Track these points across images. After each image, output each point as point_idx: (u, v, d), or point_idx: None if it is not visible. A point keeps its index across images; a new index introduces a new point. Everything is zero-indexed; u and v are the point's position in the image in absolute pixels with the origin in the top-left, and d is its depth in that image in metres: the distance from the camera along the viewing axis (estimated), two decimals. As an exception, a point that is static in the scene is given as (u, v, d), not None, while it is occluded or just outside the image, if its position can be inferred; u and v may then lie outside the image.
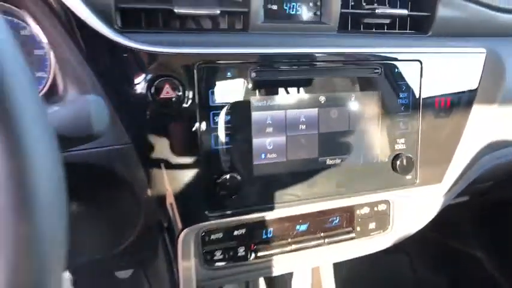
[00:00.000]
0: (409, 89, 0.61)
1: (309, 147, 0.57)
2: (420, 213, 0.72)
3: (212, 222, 0.56)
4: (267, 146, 0.55)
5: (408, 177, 0.64)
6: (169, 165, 0.52)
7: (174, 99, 0.49)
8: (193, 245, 0.57)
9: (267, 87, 0.54)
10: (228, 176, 0.52)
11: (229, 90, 0.51)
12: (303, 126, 0.56)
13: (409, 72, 0.61)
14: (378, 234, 0.70)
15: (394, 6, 0.64)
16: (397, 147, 0.62)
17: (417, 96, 0.62)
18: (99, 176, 0.52)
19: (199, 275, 0.60)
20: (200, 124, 0.51)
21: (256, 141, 0.54)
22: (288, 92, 0.55)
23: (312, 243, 0.65)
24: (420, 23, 0.66)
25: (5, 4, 0.54)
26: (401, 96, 0.61)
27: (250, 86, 0.52)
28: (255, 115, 0.53)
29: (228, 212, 0.56)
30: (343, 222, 0.67)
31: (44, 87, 0.58)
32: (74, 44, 0.48)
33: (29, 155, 0.24)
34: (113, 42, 0.46)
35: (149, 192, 0.54)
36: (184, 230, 0.55)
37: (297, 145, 0.56)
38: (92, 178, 0.53)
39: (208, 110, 0.51)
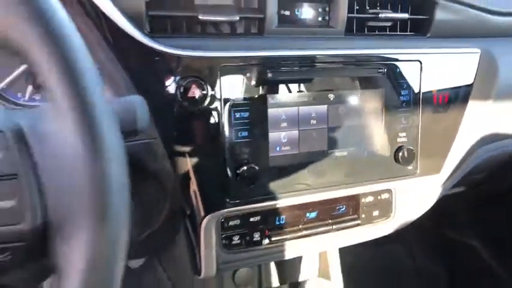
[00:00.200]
0: (410, 86, 0.67)
1: (319, 141, 0.63)
2: (420, 201, 0.77)
3: (231, 209, 0.61)
4: (281, 139, 0.60)
5: (409, 168, 0.70)
6: (194, 158, 0.57)
7: (199, 97, 0.54)
8: (214, 231, 0.63)
9: (282, 86, 0.59)
10: (247, 167, 0.58)
11: (248, 89, 0.57)
12: (314, 121, 0.62)
13: (410, 71, 0.67)
14: (381, 221, 0.75)
15: (395, 10, 0.70)
16: (399, 140, 0.68)
17: (417, 93, 0.67)
18: (130, 167, 0.58)
19: (219, 259, 0.65)
20: (222, 120, 0.56)
21: (271, 135, 0.59)
22: (300, 90, 0.61)
23: (321, 230, 0.70)
24: (420, 25, 0.71)
25: None
26: (403, 93, 0.67)
27: (266, 85, 0.58)
28: (271, 111, 0.59)
29: (246, 200, 0.61)
30: (349, 210, 0.73)
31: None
32: (109, 47, 0.53)
33: (108, 145, 0.29)
34: (146, 47, 0.52)
35: (174, 182, 0.59)
36: (207, 217, 0.60)
37: (308, 138, 0.62)
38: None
39: (229, 107, 0.56)
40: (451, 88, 0.70)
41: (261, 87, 0.58)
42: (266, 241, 0.67)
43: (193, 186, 0.59)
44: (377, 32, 0.69)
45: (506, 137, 0.80)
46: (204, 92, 0.54)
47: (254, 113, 0.58)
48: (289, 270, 0.86)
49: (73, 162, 0.28)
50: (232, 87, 0.56)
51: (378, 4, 0.69)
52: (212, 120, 0.56)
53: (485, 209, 1.41)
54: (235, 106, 0.56)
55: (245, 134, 0.58)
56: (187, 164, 0.58)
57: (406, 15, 0.68)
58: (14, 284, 0.34)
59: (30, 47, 0.27)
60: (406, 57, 0.66)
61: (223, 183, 0.59)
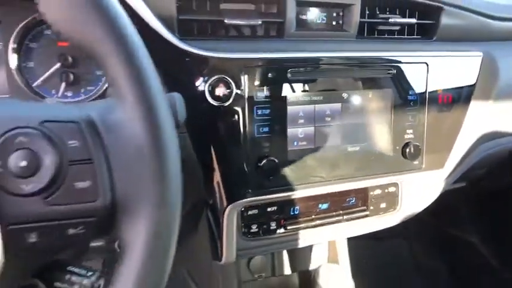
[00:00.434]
0: (417, 87, 0.72)
1: (333, 136, 0.67)
2: (424, 194, 0.82)
3: (251, 199, 0.66)
4: (298, 134, 0.65)
5: (415, 162, 0.75)
6: (218, 151, 0.62)
7: (225, 95, 0.59)
8: (235, 220, 0.67)
9: (300, 85, 0.64)
10: (267, 160, 0.63)
11: (269, 88, 0.62)
12: (329, 119, 0.67)
13: (417, 72, 0.72)
14: (388, 212, 0.80)
15: (403, 15, 0.75)
16: (406, 136, 0.73)
17: (424, 93, 0.72)
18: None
19: (239, 246, 0.70)
20: (246, 116, 0.61)
21: (290, 131, 0.64)
22: (316, 90, 0.65)
23: (332, 220, 0.75)
24: (426, 29, 0.76)
25: None
26: (410, 93, 0.71)
27: (286, 84, 0.63)
28: (290, 109, 0.64)
29: (265, 191, 0.66)
30: (359, 202, 0.78)
31: (103, 83, 0.68)
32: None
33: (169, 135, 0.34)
34: (178, 48, 0.56)
35: (200, 173, 0.64)
36: (229, 207, 0.65)
37: (323, 134, 0.67)
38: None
39: (252, 104, 0.61)
40: (455, 88, 0.75)
41: (281, 87, 0.62)
42: (282, 230, 0.72)
43: (217, 177, 0.64)
44: (386, 36, 0.74)
45: (506, 135, 0.85)
46: (230, 91, 0.59)
47: (274, 110, 0.62)
48: (300, 258, 0.91)
49: (138, 148, 0.33)
50: (255, 86, 0.61)
51: (388, 9, 0.74)
52: (236, 117, 0.61)
53: (485, 206, 1.45)
54: (257, 103, 0.61)
55: (266, 129, 0.63)
56: (212, 157, 0.62)
57: (413, 20, 0.73)
58: (76, 257, 0.39)
59: (108, 56, 0.32)
60: (414, 60, 0.71)
61: (245, 175, 0.63)
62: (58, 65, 0.66)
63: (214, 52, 0.58)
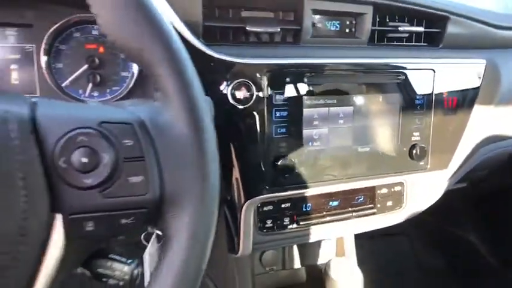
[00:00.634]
0: (424, 92, 0.76)
1: (346, 138, 0.72)
2: (429, 194, 0.86)
3: (267, 196, 0.70)
4: (313, 135, 0.69)
5: (421, 163, 0.79)
6: (238, 150, 0.66)
7: (247, 98, 0.63)
8: (252, 215, 0.71)
9: (316, 89, 0.68)
10: (284, 159, 0.67)
11: (287, 92, 0.66)
12: (341, 121, 0.71)
13: (424, 78, 0.76)
14: (394, 210, 0.84)
15: (411, 23, 0.79)
16: (413, 138, 0.77)
17: (430, 98, 0.77)
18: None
19: (254, 240, 0.74)
20: (265, 117, 0.65)
21: (305, 132, 0.68)
22: (330, 93, 0.69)
23: (342, 217, 0.79)
24: (433, 37, 0.80)
25: None
26: (417, 97, 0.76)
27: (303, 88, 0.67)
28: (306, 111, 0.68)
29: (281, 188, 0.70)
30: (367, 200, 0.82)
31: (127, 84, 0.72)
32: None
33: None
34: (204, 54, 0.60)
35: (220, 170, 0.68)
36: (247, 203, 0.69)
37: (336, 135, 0.71)
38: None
39: (271, 106, 0.65)
40: (460, 94, 0.79)
41: (298, 90, 0.66)
42: (294, 225, 0.76)
43: (236, 175, 0.68)
44: (395, 43, 0.78)
45: (507, 138, 0.90)
46: (250, 94, 0.63)
47: (292, 112, 0.66)
48: (309, 253, 0.95)
49: (184, 147, 0.37)
50: (274, 89, 0.65)
51: (397, 18, 0.78)
52: (256, 118, 0.65)
53: (485, 206, 1.50)
54: (276, 106, 0.65)
55: (283, 130, 0.67)
56: (232, 155, 0.66)
57: (421, 29, 0.77)
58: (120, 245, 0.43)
59: (156, 65, 0.36)
60: (421, 66, 0.75)
61: (262, 173, 0.67)
62: (86, 66, 0.69)
63: (237, 58, 0.62)
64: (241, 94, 0.63)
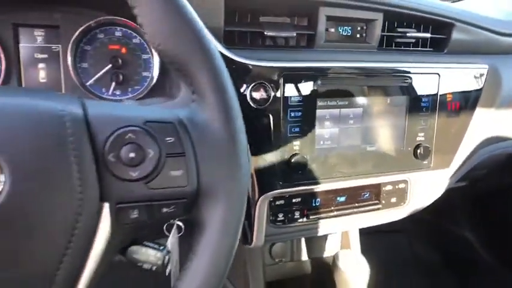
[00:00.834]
0: (429, 95, 0.80)
1: (355, 137, 0.76)
2: (431, 191, 0.91)
3: (280, 191, 0.74)
4: (325, 135, 0.73)
5: (425, 162, 0.83)
6: (254, 147, 0.70)
7: (264, 99, 0.67)
8: (265, 209, 0.76)
9: (328, 91, 0.72)
10: (297, 157, 0.71)
11: (302, 93, 0.70)
12: (351, 121, 0.75)
13: (429, 82, 0.80)
14: (398, 206, 0.89)
15: (418, 29, 0.83)
16: (418, 139, 0.81)
17: (435, 101, 0.81)
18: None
19: (267, 232, 0.78)
20: (280, 117, 0.69)
21: (318, 131, 0.73)
22: (342, 95, 0.74)
23: (348, 211, 0.83)
24: (438, 43, 0.84)
25: (122, 18, 0.72)
26: (423, 100, 0.80)
27: (316, 90, 0.71)
28: (318, 112, 0.72)
29: (293, 184, 0.74)
30: (372, 196, 0.86)
31: (148, 84, 0.76)
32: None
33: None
34: (226, 57, 0.64)
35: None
36: (261, 197, 0.73)
37: (346, 135, 0.75)
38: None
39: (286, 107, 0.69)
40: (463, 97, 0.84)
41: (312, 92, 0.71)
42: (304, 219, 0.81)
43: (252, 171, 0.72)
44: (403, 48, 0.83)
45: (506, 139, 0.94)
46: (268, 95, 0.67)
47: (305, 112, 0.71)
48: (316, 246, 1.00)
49: (219, 144, 0.41)
50: (290, 91, 0.69)
51: (405, 24, 0.82)
52: (272, 118, 0.69)
53: (481, 205, 1.55)
54: (291, 107, 0.69)
55: (297, 129, 0.71)
56: (248, 151, 0.70)
57: (428, 35, 0.82)
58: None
59: (196, 71, 0.40)
60: (427, 71, 0.80)
61: (276, 169, 0.72)
62: (109, 66, 0.73)
63: (255, 61, 0.66)
64: (259, 95, 0.67)
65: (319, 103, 0.72)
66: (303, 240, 0.99)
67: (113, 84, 0.74)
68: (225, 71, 0.42)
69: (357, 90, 0.75)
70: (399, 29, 0.81)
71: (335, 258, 0.86)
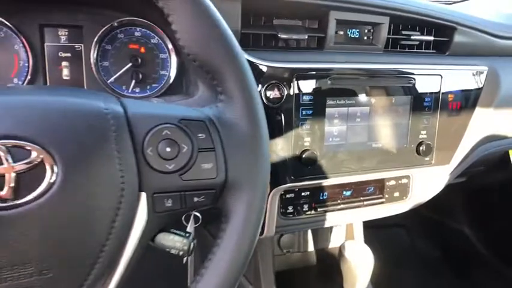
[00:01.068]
0: (432, 95, 0.85)
1: (362, 134, 0.80)
2: (431, 186, 0.96)
3: (291, 185, 0.79)
4: (334, 132, 0.78)
5: (427, 158, 0.88)
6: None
7: (278, 98, 0.71)
8: (276, 202, 0.80)
9: (337, 90, 0.76)
10: (307, 152, 0.75)
11: (313, 92, 0.74)
12: (359, 119, 0.79)
13: (432, 82, 0.84)
14: (400, 200, 0.94)
15: (422, 32, 0.87)
16: (421, 136, 0.86)
17: (437, 100, 0.85)
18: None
19: (277, 223, 0.83)
20: (293, 115, 0.73)
21: (327, 128, 0.77)
22: (350, 94, 0.78)
23: (354, 205, 0.88)
24: (441, 45, 0.89)
25: (142, 19, 0.76)
26: (426, 100, 0.84)
27: (326, 90, 0.75)
28: (328, 110, 0.76)
29: (303, 178, 0.79)
30: (376, 191, 0.91)
31: (166, 82, 0.80)
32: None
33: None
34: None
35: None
36: (273, 190, 0.78)
37: (354, 132, 0.80)
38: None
39: (298, 105, 0.73)
40: (463, 97, 0.88)
41: (322, 91, 0.75)
42: (312, 211, 0.85)
43: (265, 165, 0.76)
44: (407, 50, 0.87)
45: (503, 138, 0.99)
46: (281, 94, 0.71)
47: (316, 111, 0.75)
48: (322, 237, 1.05)
49: (245, 140, 0.45)
50: (302, 90, 0.73)
51: (409, 27, 0.86)
52: (285, 115, 0.73)
53: (478, 200, 1.60)
54: (302, 105, 0.74)
55: (308, 126, 0.75)
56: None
57: (431, 38, 0.86)
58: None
59: (226, 75, 0.44)
60: (430, 72, 0.84)
61: (288, 164, 0.76)
62: (129, 64, 0.77)
63: (269, 62, 0.70)
64: (273, 94, 0.71)
65: (329, 102, 0.76)
66: (309, 232, 1.04)
67: (133, 82, 0.78)
68: (251, 74, 0.47)
69: (364, 90, 0.79)
70: (404, 32, 0.85)
71: (341, 248, 0.91)
